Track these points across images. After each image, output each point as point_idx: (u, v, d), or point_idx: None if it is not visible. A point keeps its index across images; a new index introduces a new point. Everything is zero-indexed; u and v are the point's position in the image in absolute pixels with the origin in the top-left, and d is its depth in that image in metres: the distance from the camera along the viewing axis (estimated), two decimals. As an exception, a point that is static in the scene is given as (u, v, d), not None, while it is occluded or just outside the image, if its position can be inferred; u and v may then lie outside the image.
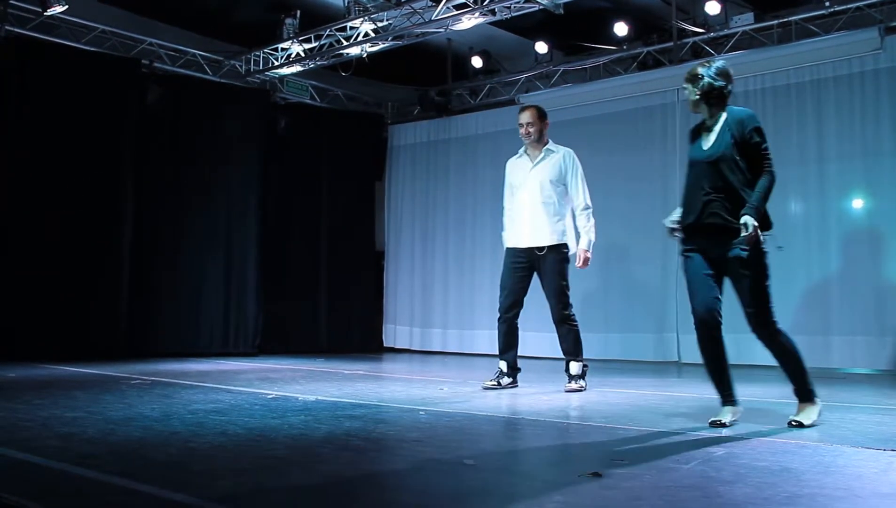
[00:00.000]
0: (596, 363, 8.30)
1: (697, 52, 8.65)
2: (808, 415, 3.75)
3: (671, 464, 2.75)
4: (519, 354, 5.59)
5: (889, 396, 5.33)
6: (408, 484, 2.50)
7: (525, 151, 5.56)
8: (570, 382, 5.38)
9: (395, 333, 10.95)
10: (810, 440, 3.31)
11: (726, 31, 8.32)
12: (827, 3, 7.63)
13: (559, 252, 5.34)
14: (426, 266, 10.74)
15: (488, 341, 9.87)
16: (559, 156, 5.46)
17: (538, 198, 5.39)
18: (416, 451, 3.06)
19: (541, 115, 5.48)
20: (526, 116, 5.45)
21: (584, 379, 5.40)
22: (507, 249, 5.53)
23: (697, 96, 3.96)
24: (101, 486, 2.43)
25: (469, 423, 3.89)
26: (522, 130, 5.47)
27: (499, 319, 5.51)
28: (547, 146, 5.49)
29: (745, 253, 3.67)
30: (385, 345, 10.96)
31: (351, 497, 2.34)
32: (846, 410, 4.47)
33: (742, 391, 5.48)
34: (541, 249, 5.34)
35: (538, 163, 5.46)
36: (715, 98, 3.89)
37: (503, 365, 5.51)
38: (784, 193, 8.05)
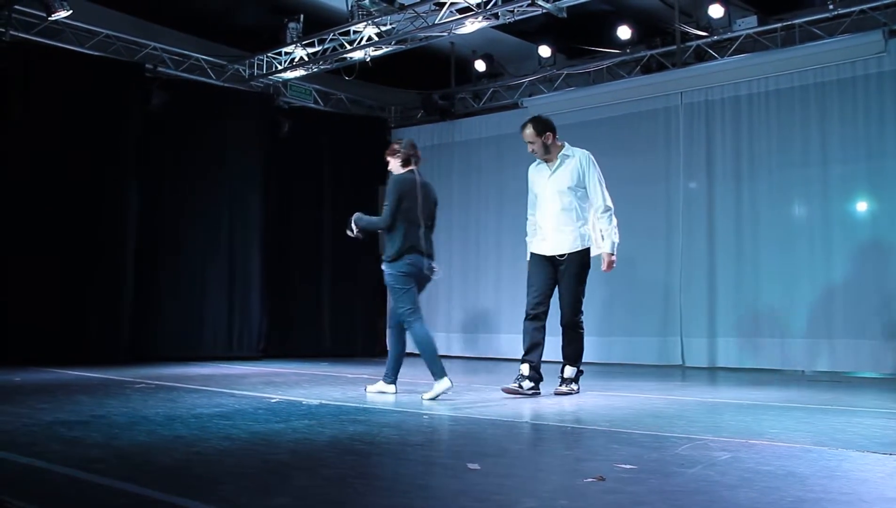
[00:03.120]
0: (599, 367, 8.34)
1: (701, 56, 8.65)
2: (435, 390, 5.00)
3: (675, 468, 2.74)
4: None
5: (894, 400, 5.31)
6: (412, 489, 2.49)
7: (548, 164, 5.45)
8: (562, 385, 5.36)
9: (399, 337, 10.93)
10: (815, 444, 3.30)
11: (730, 35, 8.32)
12: (831, 6, 7.62)
13: (581, 257, 5.27)
14: (429, 270, 10.72)
15: (492, 344, 9.88)
16: (575, 160, 5.35)
17: (559, 205, 5.30)
18: (420, 455, 3.05)
19: (538, 129, 5.33)
20: (527, 136, 5.38)
21: (577, 383, 5.39)
22: (532, 254, 5.43)
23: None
24: (106, 491, 2.43)
25: (473, 427, 3.88)
26: (528, 148, 5.43)
27: (525, 318, 5.33)
28: (562, 151, 5.38)
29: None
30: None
31: (355, 501, 2.33)
32: (851, 414, 4.45)
33: (746, 394, 5.48)
34: (562, 256, 5.26)
35: (555, 170, 5.36)
36: None
37: (524, 368, 5.24)
38: (788, 196, 8.05)
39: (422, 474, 2.69)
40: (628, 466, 2.76)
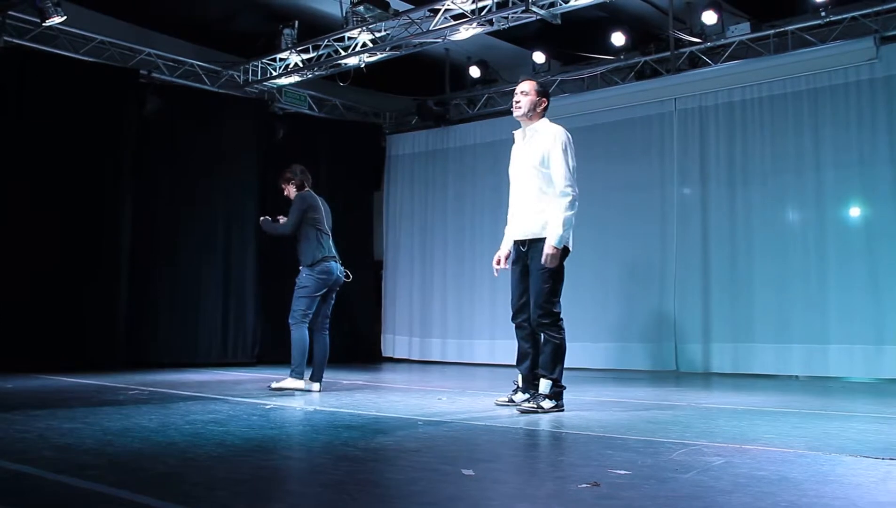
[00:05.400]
0: (593, 373, 8.35)
1: (694, 62, 8.69)
2: (285, 383, 5.85)
3: (670, 474, 2.75)
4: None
5: (887, 405, 5.33)
6: (406, 495, 2.49)
7: (519, 137, 4.85)
8: (530, 400, 4.64)
9: (394, 343, 10.95)
10: (809, 449, 3.30)
11: (723, 41, 8.36)
12: (823, 13, 7.68)
13: (542, 250, 4.53)
14: (425, 276, 10.74)
15: (487, 351, 9.88)
16: (543, 135, 4.67)
17: (522, 185, 4.71)
18: (414, 461, 3.05)
19: (539, 89, 4.76)
20: (523, 85, 4.77)
21: (555, 401, 4.53)
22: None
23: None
24: (99, 497, 2.42)
25: (467, 433, 3.88)
26: (514, 100, 4.76)
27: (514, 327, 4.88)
28: (536, 124, 4.74)
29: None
30: (384, 355, 10.94)
31: (350, 507, 2.33)
32: (845, 419, 4.46)
33: (740, 399, 5.49)
34: (523, 243, 4.68)
35: (526, 143, 4.75)
36: None
37: (519, 379, 4.85)
38: (781, 201, 8.09)
39: (416, 480, 2.68)
40: (623, 471, 2.76)
